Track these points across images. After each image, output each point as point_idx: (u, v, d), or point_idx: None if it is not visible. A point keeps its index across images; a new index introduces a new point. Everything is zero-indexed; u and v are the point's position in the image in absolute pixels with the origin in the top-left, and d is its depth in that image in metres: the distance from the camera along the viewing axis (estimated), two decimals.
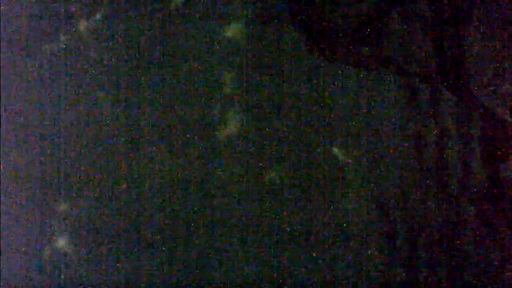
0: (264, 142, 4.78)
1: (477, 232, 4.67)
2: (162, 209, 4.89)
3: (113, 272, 4.94)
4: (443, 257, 4.70)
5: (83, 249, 4.93)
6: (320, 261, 4.77)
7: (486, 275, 4.66)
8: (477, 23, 4.67)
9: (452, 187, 4.71)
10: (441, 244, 4.70)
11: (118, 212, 4.94)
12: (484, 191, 4.68)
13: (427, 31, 4.71)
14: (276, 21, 4.79)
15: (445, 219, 4.70)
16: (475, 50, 4.68)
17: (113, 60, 4.91)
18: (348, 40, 4.75)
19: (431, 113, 4.69)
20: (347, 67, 4.76)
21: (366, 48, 4.73)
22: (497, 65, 4.66)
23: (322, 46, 4.76)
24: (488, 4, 4.66)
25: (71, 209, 4.94)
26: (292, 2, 4.79)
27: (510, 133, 4.59)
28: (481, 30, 4.67)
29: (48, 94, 4.93)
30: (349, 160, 4.46)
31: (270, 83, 4.80)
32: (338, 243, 4.77)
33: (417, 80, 4.60)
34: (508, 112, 4.65)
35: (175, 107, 4.87)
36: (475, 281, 4.65)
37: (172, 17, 4.88)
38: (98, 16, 4.91)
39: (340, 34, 4.75)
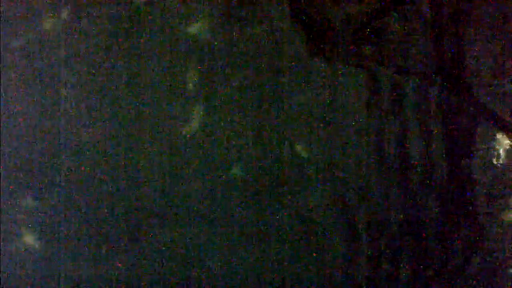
0: (228, 139, 4.79)
1: (440, 228, 4.67)
2: (126, 205, 4.90)
3: (81, 268, 4.94)
4: (406, 253, 4.70)
5: (51, 245, 4.94)
6: (282, 257, 4.77)
7: (449, 271, 4.66)
8: (477, 23, 4.67)
9: (414, 183, 4.70)
10: (404, 240, 4.70)
11: (82, 208, 4.94)
12: (447, 187, 4.67)
13: (427, 31, 4.70)
14: (240, 18, 4.80)
15: (408, 215, 4.69)
16: (475, 50, 4.67)
17: (77, 58, 4.92)
18: (348, 40, 4.75)
19: (393, 108, 4.69)
20: (346, 67, 4.76)
21: (366, 48, 4.73)
22: (497, 65, 4.65)
23: (322, 46, 4.76)
24: (488, 4, 4.66)
25: (38, 204, 4.94)
26: (292, 2, 4.79)
27: (472, 129, 4.59)
28: (481, 30, 4.66)
29: (13, 92, 4.94)
30: (310, 156, 4.47)
31: (234, 80, 4.82)
32: (300, 240, 4.77)
33: (379, 75, 4.59)
34: (508, 112, 4.64)
35: (139, 103, 4.88)
36: (437, 277, 4.65)
37: (136, 14, 4.89)
38: (63, 14, 4.92)
39: (340, 34, 4.75)
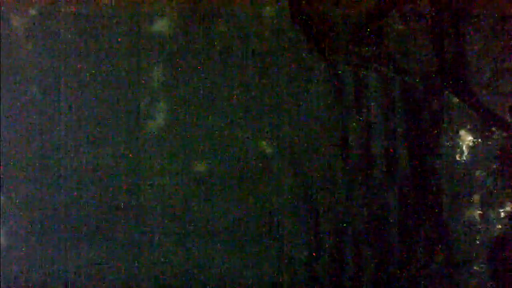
0: (192, 135, 4.81)
1: (403, 225, 4.67)
2: (91, 200, 4.90)
3: (52, 267, 4.95)
4: (369, 251, 4.70)
5: (20, 244, 4.95)
6: (246, 254, 4.78)
7: (412, 269, 4.66)
8: (477, 23, 4.67)
9: (378, 180, 4.71)
10: (367, 237, 4.70)
11: (49, 205, 4.95)
12: (410, 184, 4.68)
13: (427, 31, 4.70)
14: (203, 15, 4.81)
15: (371, 212, 4.70)
16: (475, 50, 4.67)
17: (44, 56, 4.94)
18: (348, 40, 4.75)
19: (357, 105, 4.70)
20: (346, 67, 4.76)
21: (366, 48, 4.73)
22: (497, 65, 4.65)
23: (322, 46, 4.76)
24: (488, 4, 4.66)
25: (7, 201, 4.95)
26: (292, 2, 4.79)
27: (435, 126, 4.59)
28: (481, 30, 4.66)
29: None
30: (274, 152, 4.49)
31: (198, 77, 4.83)
32: (264, 236, 4.78)
33: (340, 72, 4.60)
34: (508, 112, 4.64)
35: (104, 100, 4.90)
36: (401, 274, 4.65)
37: (101, 11, 4.91)
38: (31, 12, 4.94)
39: (340, 34, 4.75)
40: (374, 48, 4.72)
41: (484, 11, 4.66)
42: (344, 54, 4.75)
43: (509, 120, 4.63)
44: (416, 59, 4.71)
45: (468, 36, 4.68)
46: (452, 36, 4.69)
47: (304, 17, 4.78)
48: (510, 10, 4.64)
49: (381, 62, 4.72)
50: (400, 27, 4.71)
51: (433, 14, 4.70)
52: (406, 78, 4.67)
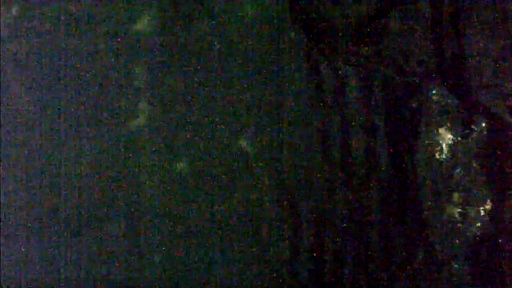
0: (174, 134, 4.83)
1: (383, 224, 4.67)
2: (71, 199, 4.91)
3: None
4: (350, 249, 4.70)
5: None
6: (226, 250, 4.79)
7: (392, 266, 4.66)
8: (477, 23, 4.67)
9: (358, 178, 4.71)
10: (347, 235, 4.70)
11: (24, 203, 4.97)
12: (390, 182, 4.68)
13: (427, 31, 4.71)
14: (185, 14, 4.83)
15: (351, 210, 4.70)
16: (475, 50, 4.67)
17: (25, 55, 4.96)
18: (348, 40, 4.75)
19: (336, 103, 4.70)
20: (346, 67, 4.77)
21: (366, 48, 4.73)
22: (497, 65, 4.65)
23: (322, 46, 4.76)
24: (488, 4, 4.66)
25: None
26: (292, 2, 4.79)
27: (415, 124, 4.60)
28: (481, 30, 4.66)
29: None
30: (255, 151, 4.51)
31: (180, 76, 4.85)
32: (245, 234, 4.78)
33: (325, 70, 4.61)
34: (508, 112, 4.64)
35: (86, 99, 4.91)
36: (381, 272, 4.66)
37: (83, 11, 4.93)
38: (13, 11, 4.96)
39: (340, 34, 4.75)
40: (374, 48, 4.72)
41: (484, 11, 4.67)
42: (344, 54, 4.76)
43: (509, 120, 4.63)
44: (416, 59, 4.71)
45: (468, 36, 4.68)
46: (452, 36, 4.70)
47: (304, 17, 4.79)
48: (510, 10, 4.64)
49: (381, 62, 4.72)
50: (400, 27, 4.72)
51: (433, 14, 4.71)
52: (406, 78, 4.68)
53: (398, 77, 4.70)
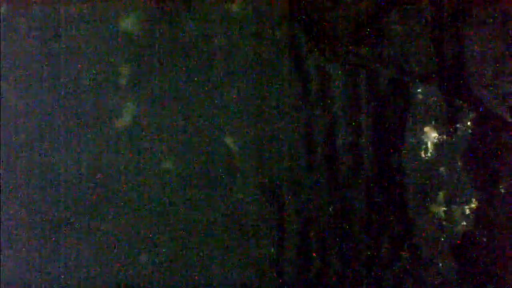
0: (159, 133, 4.84)
1: (368, 222, 4.68)
2: (57, 197, 4.92)
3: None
4: (335, 247, 4.71)
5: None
6: (212, 252, 4.80)
7: (376, 264, 4.67)
8: (477, 23, 4.67)
9: (343, 176, 4.71)
10: (332, 232, 4.71)
11: (13, 199, 4.98)
12: (375, 180, 4.68)
13: (427, 31, 4.71)
14: (171, 13, 4.84)
15: (336, 208, 4.71)
16: (475, 50, 4.68)
17: (10, 56, 4.96)
18: (348, 40, 4.75)
19: (321, 101, 4.71)
20: (345, 66, 4.77)
21: (366, 48, 4.73)
22: (497, 65, 4.66)
23: (322, 46, 4.77)
24: (488, 4, 4.67)
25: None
26: (292, 2, 4.80)
27: (400, 122, 4.60)
28: (481, 30, 4.67)
29: None
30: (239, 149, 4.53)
31: (165, 75, 4.86)
32: (228, 233, 4.79)
33: (310, 69, 4.62)
34: (508, 112, 4.65)
35: (72, 98, 4.92)
36: (366, 271, 4.67)
37: (69, 9, 4.94)
38: (2, 10, 4.97)
39: (340, 34, 4.75)
40: (374, 49, 4.72)
41: (484, 11, 4.67)
42: (344, 54, 4.76)
43: (509, 120, 4.64)
44: (416, 59, 4.71)
45: (468, 36, 4.68)
46: (452, 36, 4.70)
47: (304, 17, 4.79)
48: (510, 10, 4.65)
49: (380, 62, 4.73)
50: (400, 27, 4.72)
51: (433, 14, 4.71)
52: (406, 78, 4.68)
53: (399, 78, 4.71)
